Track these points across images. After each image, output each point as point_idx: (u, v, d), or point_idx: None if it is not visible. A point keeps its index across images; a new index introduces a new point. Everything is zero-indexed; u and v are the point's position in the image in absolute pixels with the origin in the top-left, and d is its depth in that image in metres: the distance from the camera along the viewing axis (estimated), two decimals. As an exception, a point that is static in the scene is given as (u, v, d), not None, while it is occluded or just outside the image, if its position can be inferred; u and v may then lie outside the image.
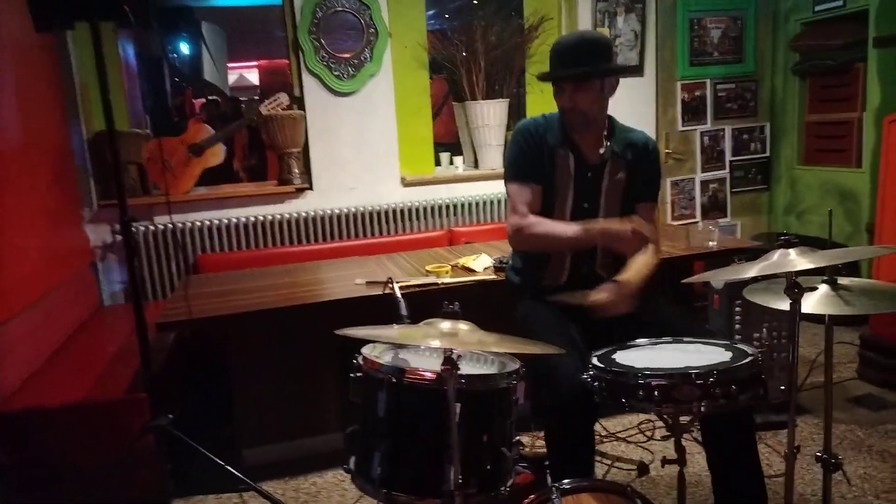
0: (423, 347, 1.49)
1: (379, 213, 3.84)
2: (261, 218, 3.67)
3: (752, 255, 2.99)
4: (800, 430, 2.72)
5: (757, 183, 4.62)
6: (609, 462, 2.44)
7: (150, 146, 3.62)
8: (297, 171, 3.72)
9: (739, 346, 1.64)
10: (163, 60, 5.95)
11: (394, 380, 1.42)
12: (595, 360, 1.61)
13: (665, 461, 1.64)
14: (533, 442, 2.67)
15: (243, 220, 3.65)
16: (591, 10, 4.06)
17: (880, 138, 3.71)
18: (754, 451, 1.79)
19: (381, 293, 2.16)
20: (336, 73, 3.69)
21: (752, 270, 1.35)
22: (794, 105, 4.44)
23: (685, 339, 1.76)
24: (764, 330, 2.74)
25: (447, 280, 2.57)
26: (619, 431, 2.75)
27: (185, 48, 6.45)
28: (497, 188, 4.03)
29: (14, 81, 2.73)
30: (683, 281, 1.59)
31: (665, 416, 1.52)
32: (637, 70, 4.22)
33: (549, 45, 3.71)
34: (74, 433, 2.34)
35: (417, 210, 3.91)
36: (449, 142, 4.51)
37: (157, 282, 3.59)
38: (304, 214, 3.72)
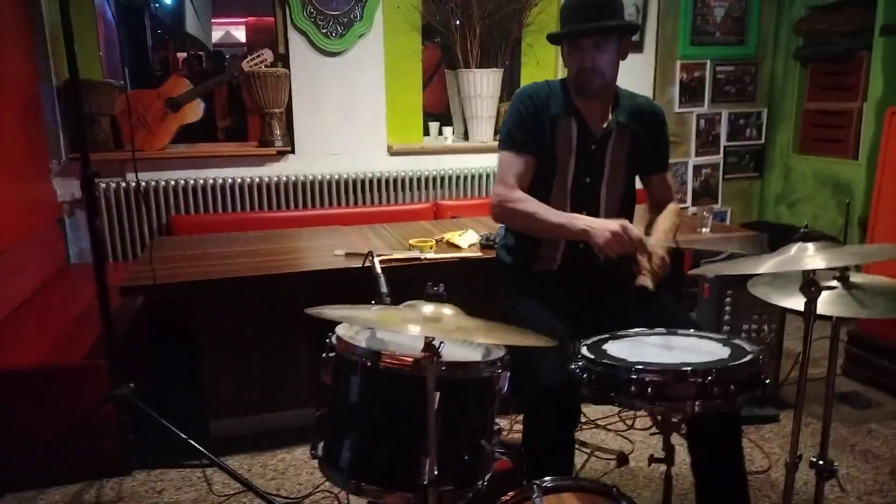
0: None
1: (363, 182, 3.70)
2: (239, 180, 3.51)
3: (746, 244, 2.92)
4: (783, 426, 2.67)
5: (750, 170, 4.54)
6: (588, 451, 2.37)
7: (125, 99, 3.43)
8: (278, 132, 3.55)
9: (737, 341, 1.54)
10: (144, 10, 5.69)
11: (369, 363, 1.31)
12: (584, 350, 1.51)
13: (653, 460, 1.55)
14: (511, 425, 2.59)
15: (220, 181, 3.49)
16: (594, -20, 3.89)
17: (880, 130, 3.62)
18: (740, 454, 1.72)
19: (357, 267, 2.03)
20: (324, 31, 3.51)
21: (767, 264, 1.24)
22: (794, 91, 4.34)
23: (680, 331, 1.66)
24: (753, 322, 2.67)
25: (431, 255, 2.45)
26: (599, 419, 2.68)
27: (167, -1, 6.18)
28: (487, 162, 3.90)
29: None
30: (691, 272, 1.49)
31: (657, 415, 1.43)
32: (637, 46, 4.08)
33: (548, 14, 3.53)
34: (29, 398, 2.22)
35: (403, 180, 3.77)
36: (439, 112, 4.35)
37: (127, 242, 3.43)
38: (284, 179, 3.57)
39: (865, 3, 3.78)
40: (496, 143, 3.86)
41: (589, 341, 1.59)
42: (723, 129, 4.39)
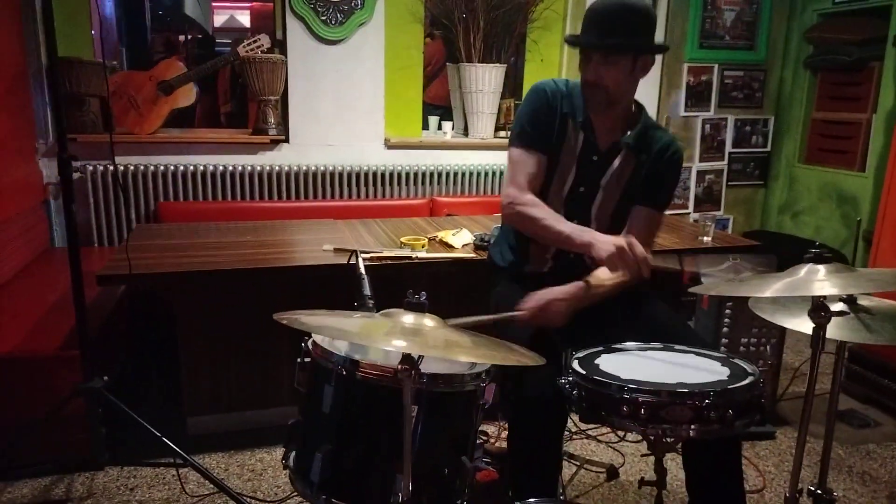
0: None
1: (358, 175, 3.61)
2: (230, 168, 3.42)
3: (748, 253, 2.84)
4: (779, 444, 2.59)
5: (754, 178, 4.45)
6: (578, 464, 2.29)
7: (116, 79, 3.34)
8: (272, 120, 3.46)
9: (737, 361, 1.46)
10: (143, -10, 5.57)
11: (345, 372, 1.23)
12: (576, 365, 1.43)
13: (643, 483, 1.48)
14: (499, 433, 2.51)
15: (211, 168, 3.40)
16: (603, -23, 3.79)
17: (889, 143, 3.54)
18: (739, 475, 1.64)
19: (345, 264, 1.94)
20: (323, 18, 3.41)
21: (775, 287, 1.15)
22: (802, 100, 4.25)
23: (677, 346, 1.58)
24: (752, 336, 2.59)
25: (422, 255, 2.37)
26: (590, 429, 2.60)
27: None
28: (486, 159, 3.81)
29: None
30: (691, 290, 1.41)
31: (650, 437, 1.35)
32: (644, 47, 3.98)
33: (554, 10, 3.43)
34: (-1, 387, 2.13)
35: (399, 175, 3.68)
36: (440, 105, 4.26)
37: (113, 227, 3.34)
38: (277, 168, 3.48)
39: (878, 12, 3.69)
40: (496, 139, 3.83)
41: (581, 354, 1.51)
42: (728, 135, 4.30)
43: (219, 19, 9.57)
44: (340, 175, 3.57)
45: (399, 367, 1.07)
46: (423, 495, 1.22)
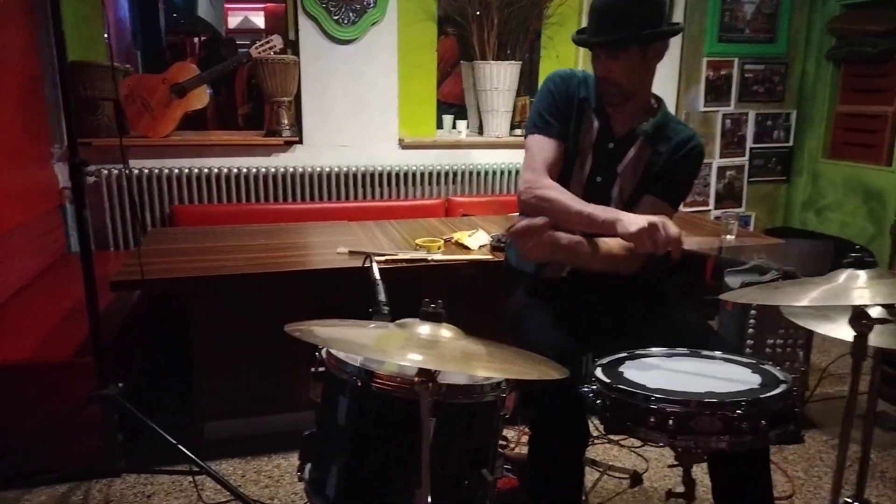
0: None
1: (372, 175, 3.57)
2: (244, 170, 3.40)
3: (772, 252, 2.76)
4: (807, 448, 2.52)
5: (776, 174, 4.35)
6: (601, 470, 2.24)
7: (129, 82, 3.33)
8: (286, 122, 3.44)
9: (768, 367, 1.40)
10: (158, -7, 5.59)
11: (359, 383, 1.19)
12: (599, 373, 1.38)
13: (671, 495, 1.42)
14: (519, 437, 2.47)
15: (225, 170, 3.38)
16: (619, -29, 3.72)
17: (917, 136, 3.45)
18: (768, 486, 1.58)
19: (359, 267, 1.90)
20: (336, 18, 3.38)
21: (812, 296, 1.08)
22: (825, 93, 4.15)
23: (704, 352, 1.52)
24: (779, 337, 2.52)
25: (438, 257, 2.32)
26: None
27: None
28: (501, 158, 3.76)
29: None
30: (721, 297, 1.35)
31: (678, 448, 1.29)
32: (662, 41, 3.91)
33: (569, 6, 3.35)
34: (13, 395, 2.12)
35: (414, 175, 3.64)
36: (455, 103, 4.22)
37: (129, 230, 3.33)
38: (290, 170, 3.45)
39: (905, 1, 3.59)
40: (512, 138, 3.78)
41: (604, 361, 1.46)
42: (749, 130, 4.21)
43: (233, 21, 9.60)
44: (354, 176, 3.54)
45: (416, 379, 1.03)
46: (442, 510, 1.18)
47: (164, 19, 5.78)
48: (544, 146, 1.74)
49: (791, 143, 4.32)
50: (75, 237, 3.37)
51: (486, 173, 3.74)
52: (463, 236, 2.54)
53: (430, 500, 1.13)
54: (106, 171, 3.25)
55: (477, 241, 2.51)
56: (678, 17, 3.91)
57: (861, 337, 1.10)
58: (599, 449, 2.46)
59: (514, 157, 3.76)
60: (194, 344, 2.42)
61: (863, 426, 1.39)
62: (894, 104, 3.75)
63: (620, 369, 1.41)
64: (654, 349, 1.52)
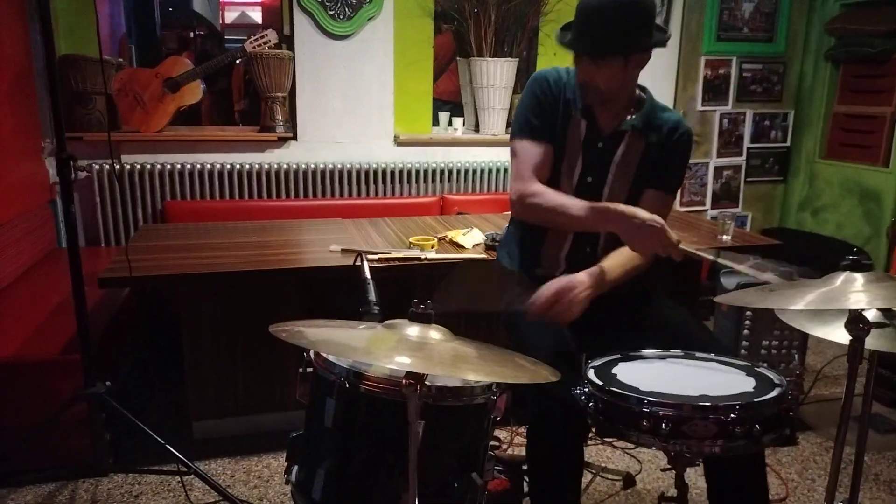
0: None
1: (367, 172, 3.54)
2: (238, 166, 3.37)
3: (767, 254, 2.74)
4: (801, 450, 2.50)
5: (773, 174, 4.34)
6: (594, 472, 2.22)
7: (122, 77, 3.29)
8: (280, 117, 3.40)
9: (763, 370, 1.39)
10: (153, -14, 5.52)
11: (347, 385, 1.16)
12: (592, 374, 1.36)
13: (663, 498, 1.40)
14: (511, 438, 2.45)
15: (219, 166, 3.35)
16: (618, -32, 3.69)
17: (915, 137, 3.43)
18: (763, 489, 1.56)
19: (352, 265, 1.88)
20: (331, 13, 3.35)
21: (808, 299, 1.06)
22: (823, 93, 4.13)
23: (698, 354, 1.50)
24: (774, 338, 2.50)
25: (431, 255, 2.30)
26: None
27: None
28: (497, 155, 3.73)
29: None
30: (716, 299, 1.33)
31: (671, 452, 1.27)
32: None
33: (567, 3, 3.31)
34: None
35: (409, 172, 3.61)
36: (451, 100, 4.18)
37: (120, 226, 3.30)
38: (284, 166, 3.42)
39: (904, 1, 3.57)
40: (508, 136, 3.73)
41: (597, 362, 1.44)
42: (747, 130, 4.19)
43: (230, 16, 9.54)
44: (349, 173, 3.51)
45: (404, 381, 1.01)
46: (431, 514, 1.16)
47: (160, 13, 5.73)
48: (532, 151, 1.72)
49: (788, 144, 4.30)
50: (66, 232, 3.34)
51: (482, 171, 3.71)
52: (457, 235, 2.52)
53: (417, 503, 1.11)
54: (97, 166, 3.21)
55: (471, 239, 2.49)
56: (676, 15, 3.89)
57: (857, 341, 1.08)
58: (593, 450, 2.44)
59: (509, 156, 3.72)
60: (184, 341, 2.40)
61: (858, 429, 1.37)
62: (893, 105, 3.73)
63: (613, 371, 1.39)
64: (647, 350, 1.51)
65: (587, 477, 2.22)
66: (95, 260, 2.92)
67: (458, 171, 3.68)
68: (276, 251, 2.37)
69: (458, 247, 2.46)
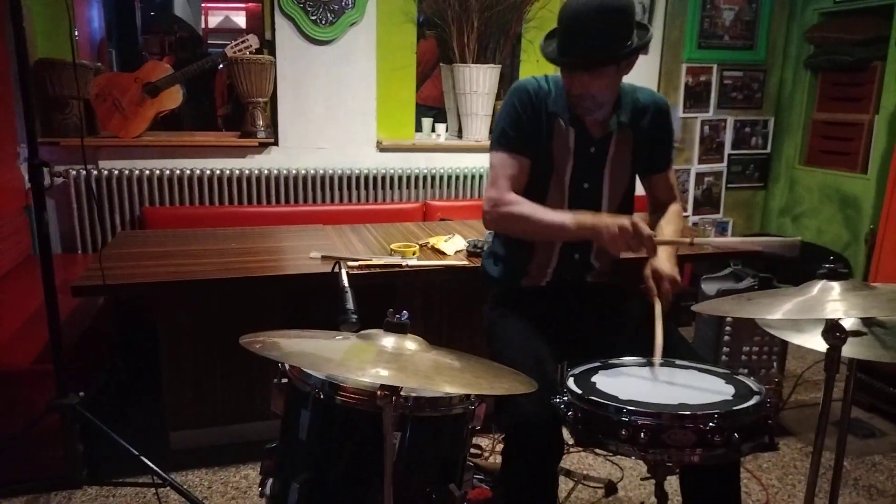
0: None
1: (349, 178, 3.52)
2: (218, 172, 3.33)
3: (749, 260, 2.76)
4: (781, 455, 2.51)
5: (754, 180, 4.37)
6: (575, 480, 2.21)
7: (100, 81, 3.25)
8: (261, 123, 3.37)
9: (742, 378, 1.38)
10: (133, -10, 5.48)
11: (322, 396, 1.14)
12: (571, 383, 1.35)
13: (642, 509, 1.39)
14: (493, 446, 2.43)
15: (198, 172, 3.31)
16: (599, -24, 3.71)
17: (892, 144, 3.47)
18: (737, 495, 1.56)
19: (329, 272, 1.85)
20: (313, 18, 3.33)
21: (785, 308, 1.06)
22: (803, 101, 4.17)
23: (678, 361, 1.50)
24: (755, 344, 2.51)
25: (412, 262, 2.28)
26: (588, 441, 2.51)
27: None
28: (480, 161, 3.73)
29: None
30: (694, 308, 1.32)
31: (650, 462, 1.26)
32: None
33: (550, 10, 3.31)
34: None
35: (392, 178, 3.59)
36: (434, 106, 4.18)
37: (97, 233, 3.25)
38: (266, 172, 3.39)
39: (880, 11, 3.62)
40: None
41: (577, 371, 1.43)
42: (727, 137, 4.22)
43: (213, 20, 9.47)
44: (331, 179, 3.49)
45: (379, 393, 0.99)
46: (408, 527, 1.14)
47: (141, 18, 5.68)
48: (508, 163, 1.71)
49: (769, 150, 4.34)
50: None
51: (465, 177, 3.71)
52: (439, 241, 2.50)
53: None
54: (74, 172, 3.17)
55: (453, 246, 2.47)
56: (658, 22, 3.92)
57: (834, 349, 1.08)
58: (575, 458, 2.44)
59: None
60: (162, 350, 2.36)
61: (837, 435, 1.37)
62: (871, 112, 3.78)
63: (593, 379, 1.38)
64: (627, 358, 1.50)
65: (569, 485, 2.22)
66: (72, 267, 2.88)
67: (441, 177, 3.67)
68: (255, 258, 2.34)
69: (440, 253, 2.44)
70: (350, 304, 1.47)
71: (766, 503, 2.23)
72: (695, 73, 4.06)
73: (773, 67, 4.22)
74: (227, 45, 3.28)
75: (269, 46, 3.39)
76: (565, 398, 1.32)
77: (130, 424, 2.45)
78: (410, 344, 1.04)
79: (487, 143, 3.68)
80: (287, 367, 1.21)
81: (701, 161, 4.19)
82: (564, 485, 2.20)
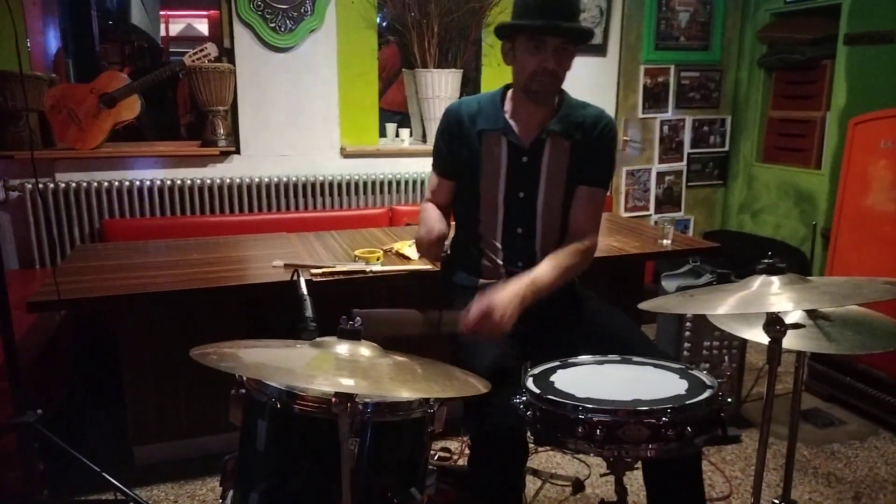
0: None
1: (313, 185, 3.51)
2: (178, 182, 3.29)
3: (709, 256, 2.82)
4: (744, 447, 2.57)
5: (713, 178, 4.47)
6: (543, 479, 2.23)
7: (55, 93, 3.19)
8: (222, 132, 3.34)
9: (695, 373, 1.41)
10: (90, -1, 5.38)
11: (279, 405, 1.14)
12: (530, 383, 1.37)
13: (604, 503, 1.41)
14: (462, 449, 2.44)
15: (158, 182, 3.26)
16: (557, -20, 3.76)
17: (843, 140, 3.57)
18: (700, 487, 1.59)
19: (290, 280, 1.84)
20: (272, 25, 3.31)
21: (727, 304, 1.09)
22: (758, 99, 4.28)
23: (635, 358, 1.52)
24: (715, 339, 2.56)
25: (376, 268, 2.28)
26: (556, 440, 2.54)
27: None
28: (444, 166, 3.74)
29: None
30: (640, 306, 1.35)
31: (608, 457, 1.29)
32: (600, 50, 3.97)
33: (508, 15, 3.39)
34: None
35: (357, 184, 3.59)
36: (399, 111, 4.18)
37: (56, 246, 3.18)
38: (228, 181, 3.36)
39: (829, 11, 3.73)
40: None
41: (536, 371, 1.45)
42: (686, 136, 4.31)
43: (175, 28, 9.34)
44: (295, 186, 3.47)
45: (333, 401, 0.99)
46: (369, 534, 1.14)
47: (98, 27, 5.58)
48: (434, 181, 1.89)
49: (727, 148, 4.44)
50: (-2, 255, 3.20)
51: (430, 182, 3.71)
52: (403, 246, 2.51)
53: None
54: (30, 185, 3.10)
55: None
56: (615, 25, 3.98)
57: (775, 342, 1.11)
58: (542, 457, 2.46)
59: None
60: (123, 364, 2.33)
61: (789, 429, 1.41)
62: (823, 109, 3.89)
63: (552, 378, 1.40)
64: (585, 357, 1.52)
65: (537, 484, 2.24)
66: (30, 283, 2.81)
67: (407, 182, 3.68)
68: (216, 268, 2.32)
69: (405, 258, 2.45)
70: (309, 312, 1.46)
71: (729, 495, 2.28)
72: (653, 75, 4.13)
73: (728, 67, 4.32)
74: (187, 52, 3.25)
75: (228, 54, 3.37)
76: (524, 398, 1.34)
77: (92, 441, 2.41)
78: (364, 350, 1.05)
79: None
80: (244, 377, 1.21)
81: (661, 160, 4.26)
82: (532, 484, 2.22)
